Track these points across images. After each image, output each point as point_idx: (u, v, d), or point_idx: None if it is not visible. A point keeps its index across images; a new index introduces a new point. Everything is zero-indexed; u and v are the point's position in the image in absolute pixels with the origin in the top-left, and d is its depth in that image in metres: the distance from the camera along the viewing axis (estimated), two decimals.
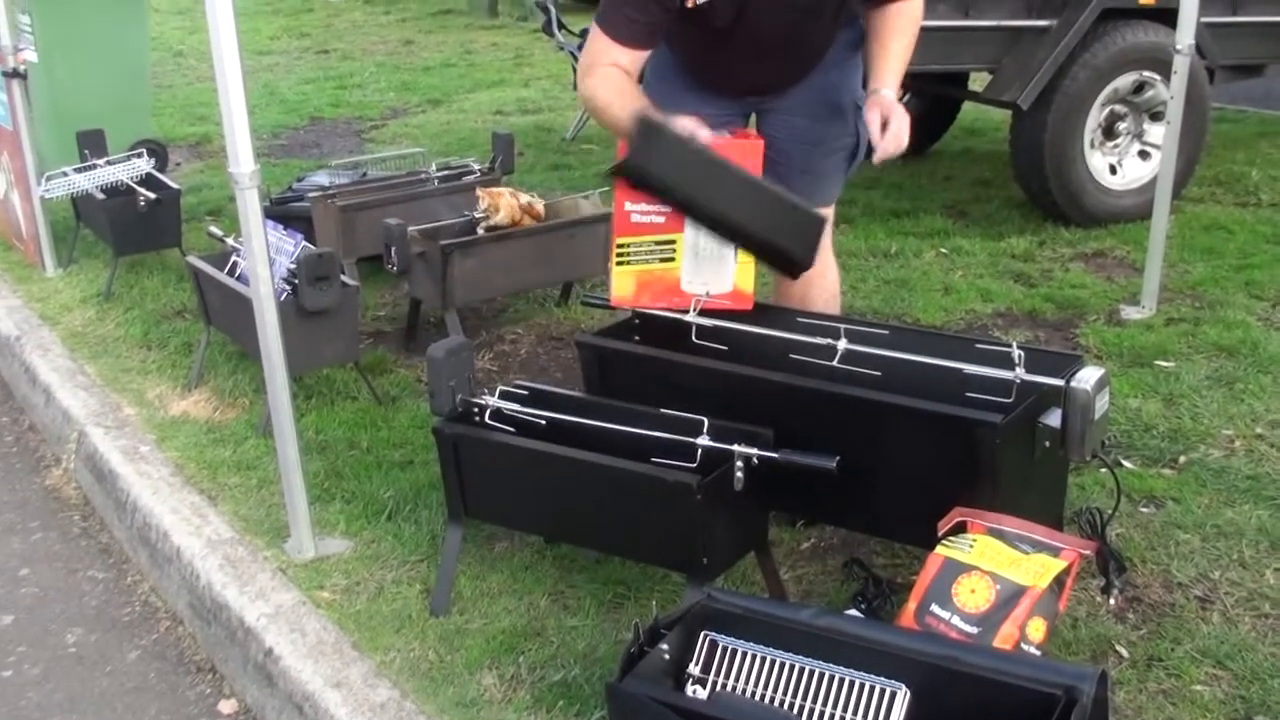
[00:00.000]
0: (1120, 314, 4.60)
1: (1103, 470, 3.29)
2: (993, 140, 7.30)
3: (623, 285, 3.09)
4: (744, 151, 3.00)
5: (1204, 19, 5.22)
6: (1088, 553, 2.57)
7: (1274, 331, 4.34)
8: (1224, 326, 4.38)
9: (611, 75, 2.95)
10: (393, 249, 4.28)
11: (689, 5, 2.90)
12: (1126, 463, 3.46)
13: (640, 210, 3.02)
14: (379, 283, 5.07)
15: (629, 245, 3.04)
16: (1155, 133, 5.55)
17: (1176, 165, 4.74)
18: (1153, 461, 3.48)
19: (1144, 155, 5.73)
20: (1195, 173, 5.97)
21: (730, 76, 3.20)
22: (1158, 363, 4.11)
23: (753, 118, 3.36)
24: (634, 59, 2.97)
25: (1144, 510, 3.23)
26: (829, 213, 3.32)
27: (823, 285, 3.39)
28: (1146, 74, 5.53)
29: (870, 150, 2.92)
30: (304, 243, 3.89)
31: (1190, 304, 4.68)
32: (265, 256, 2.91)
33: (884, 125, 2.89)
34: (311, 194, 4.95)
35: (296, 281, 3.71)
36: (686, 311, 3.07)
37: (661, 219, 3.02)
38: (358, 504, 3.38)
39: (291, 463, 3.07)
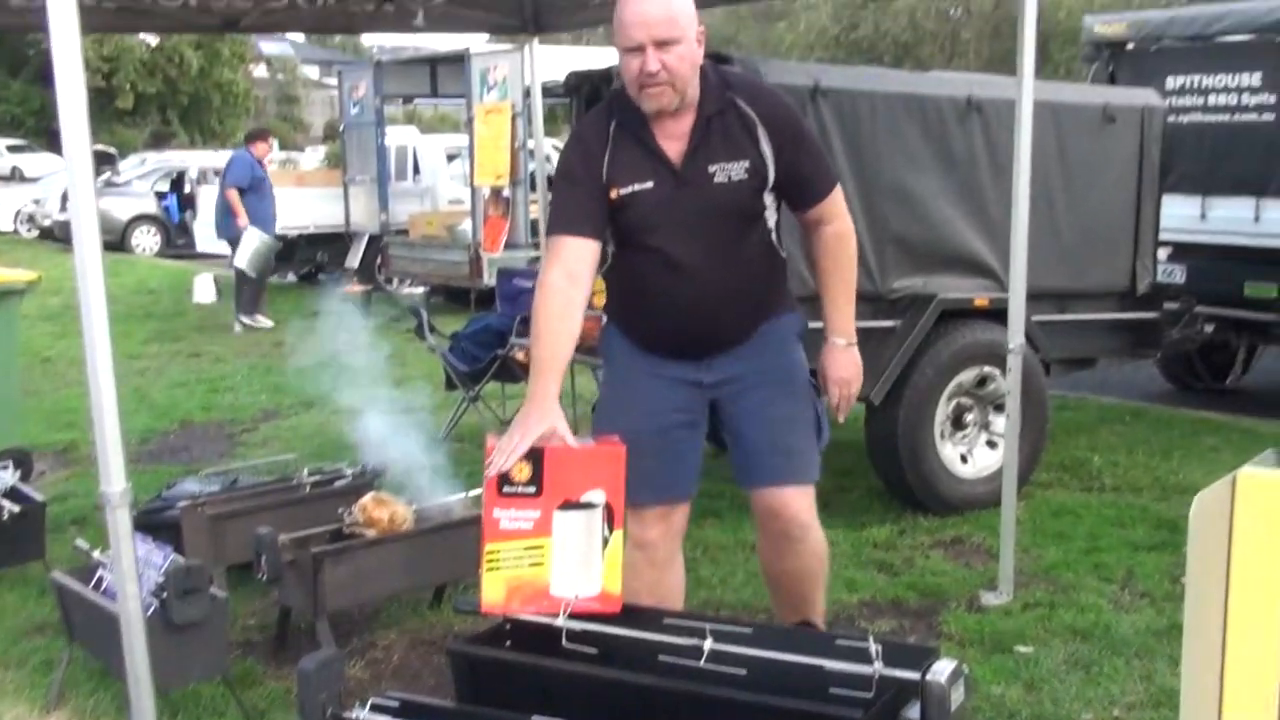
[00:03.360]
0: (980, 600, 4.75)
1: None
2: (853, 430, 7.55)
3: (493, 591, 3.14)
4: (606, 458, 3.14)
5: (1035, 317, 5.63)
6: None
7: (1124, 614, 4.52)
8: (1077, 610, 4.55)
9: (557, 294, 3.21)
10: (263, 557, 4.27)
11: (613, 196, 3.23)
12: None
13: (509, 516, 3.11)
14: (248, 590, 4.99)
15: (499, 551, 3.11)
16: (1000, 423, 5.85)
17: (1020, 453, 5.02)
18: None
19: (992, 444, 6.02)
20: (1041, 459, 6.28)
21: (671, 325, 3.41)
22: (1017, 648, 4.24)
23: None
24: (581, 255, 3.23)
25: None
26: (810, 491, 3.51)
27: (814, 555, 3.59)
28: (987, 368, 5.88)
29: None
30: (173, 555, 3.87)
31: (1045, 588, 4.86)
32: (134, 574, 2.92)
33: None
34: (181, 503, 4.93)
35: (165, 595, 3.67)
36: (557, 616, 3.13)
37: (530, 525, 3.11)
38: None
39: None
